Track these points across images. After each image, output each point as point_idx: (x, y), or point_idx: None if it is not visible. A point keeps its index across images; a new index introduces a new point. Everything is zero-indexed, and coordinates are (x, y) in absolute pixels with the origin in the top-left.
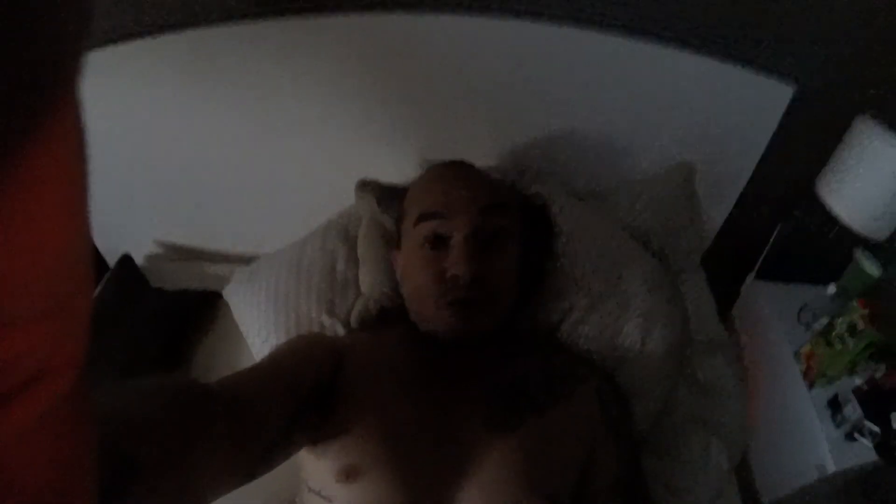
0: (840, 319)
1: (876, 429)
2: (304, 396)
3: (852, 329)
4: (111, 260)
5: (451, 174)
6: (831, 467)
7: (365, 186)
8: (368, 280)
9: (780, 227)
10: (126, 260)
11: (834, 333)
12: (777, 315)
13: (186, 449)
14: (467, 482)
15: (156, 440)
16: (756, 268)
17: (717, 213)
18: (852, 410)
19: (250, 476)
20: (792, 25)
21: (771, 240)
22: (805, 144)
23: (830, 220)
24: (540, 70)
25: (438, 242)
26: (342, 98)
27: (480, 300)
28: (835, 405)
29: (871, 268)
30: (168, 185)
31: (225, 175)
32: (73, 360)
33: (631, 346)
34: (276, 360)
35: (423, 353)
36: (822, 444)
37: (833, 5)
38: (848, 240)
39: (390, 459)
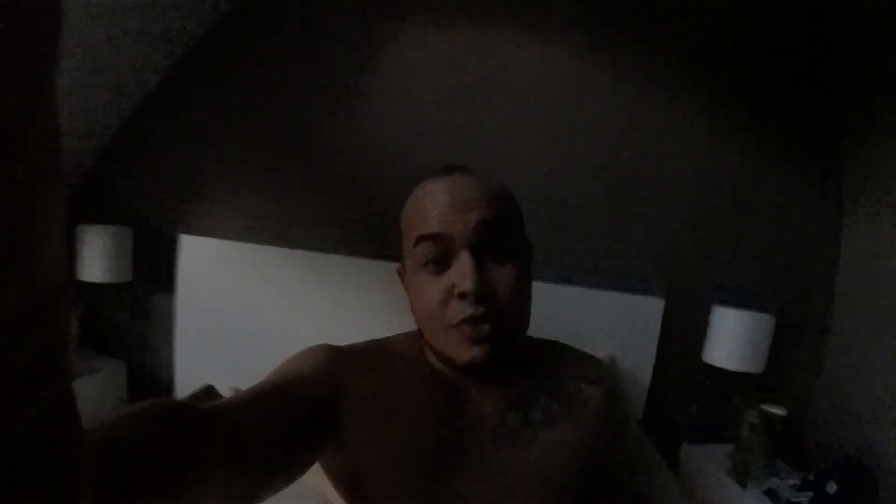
0: (742, 427)
1: (810, 493)
2: (306, 416)
3: (753, 427)
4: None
5: (446, 193)
6: None
7: None
8: None
9: (695, 398)
10: (209, 388)
11: (742, 438)
12: (709, 465)
13: (184, 470)
14: (481, 498)
15: (154, 462)
16: (686, 435)
17: (638, 395)
18: (786, 490)
19: (252, 498)
20: (655, 259)
21: (693, 409)
22: (685, 332)
23: (723, 375)
24: None
25: (441, 261)
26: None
27: (494, 317)
28: (771, 493)
29: (778, 410)
30: (248, 347)
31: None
32: (55, 368)
33: None
34: (276, 381)
35: (434, 369)
36: None
37: (678, 243)
38: (749, 389)
39: (400, 477)
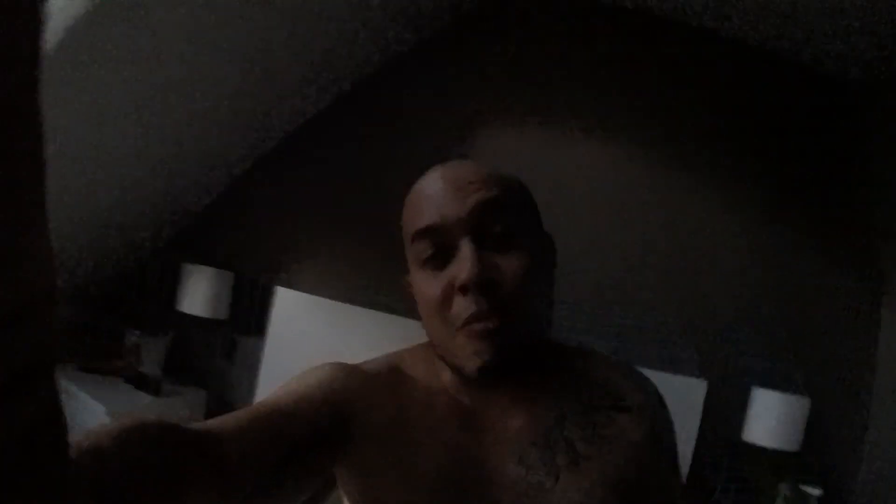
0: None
1: None
2: (305, 443)
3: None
4: None
5: (440, 182)
6: None
7: None
8: None
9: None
10: None
11: None
12: None
13: (168, 492)
14: None
15: (136, 481)
16: None
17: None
18: None
19: None
20: (698, 342)
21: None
22: (726, 412)
23: (762, 454)
24: None
25: (441, 256)
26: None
27: (501, 310)
28: None
29: (813, 490)
30: None
31: None
32: (40, 370)
33: None
34: (277, 403)
35: (453, 398)
36: None
37: (719, 326)
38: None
39: None
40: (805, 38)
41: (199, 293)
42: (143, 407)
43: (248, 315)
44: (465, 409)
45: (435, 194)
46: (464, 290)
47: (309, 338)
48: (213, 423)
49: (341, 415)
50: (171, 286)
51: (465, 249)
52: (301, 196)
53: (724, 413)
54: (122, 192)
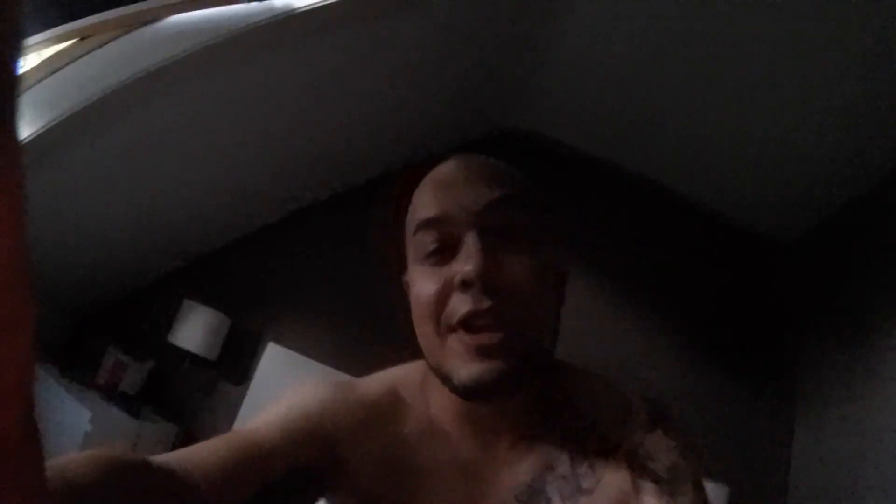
0: None
1: None
2: (281, 480)
3: None
4: None
5: (449, 174)
6: None
7: None
8: None
9: None
10: None
11: None
12: None
13: None
14: None
15: None
16: None
17: None
18: None
19: None
20: None
21: None
22: None
23: None
24: None
25: (444, 251)
26: None
27: (505, 318)
28: None
29: None
30: None
31: None
32: (15, 391)
33: None
34: (254, 434)
35: (448, 440)
36: None
37: None
38: None
39: None
40: (735, 201)
41: (193, 329)
42: (121, 424)
43: (236, 362)
44: (460, 453)
45: (451, 183)
46: (465, 286)
47: None
48: (185, 454)
49: (328, 451)
50: (167, 316)
51: (472, 243)
52: (310, 265)
53: None
54: (145, 216)
